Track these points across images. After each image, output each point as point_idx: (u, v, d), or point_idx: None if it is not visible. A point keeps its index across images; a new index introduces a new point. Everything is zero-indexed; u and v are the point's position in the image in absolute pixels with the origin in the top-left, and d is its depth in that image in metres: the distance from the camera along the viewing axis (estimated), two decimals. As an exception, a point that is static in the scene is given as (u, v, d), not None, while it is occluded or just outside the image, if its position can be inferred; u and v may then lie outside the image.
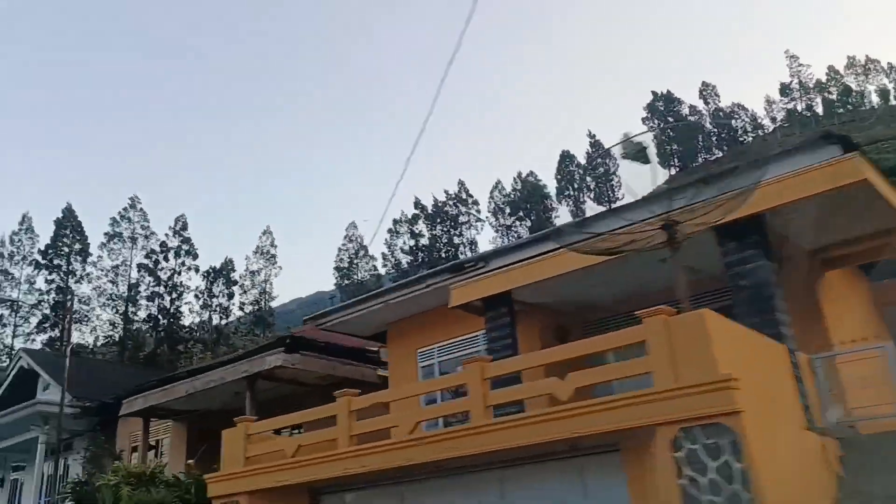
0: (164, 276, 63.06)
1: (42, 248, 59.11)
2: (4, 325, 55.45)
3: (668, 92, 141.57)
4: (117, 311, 59.82)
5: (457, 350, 12.58)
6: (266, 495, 10.17)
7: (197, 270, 65.08)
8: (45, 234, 61.21)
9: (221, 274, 67.16)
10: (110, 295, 59.79)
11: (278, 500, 10.37)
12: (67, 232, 60.00)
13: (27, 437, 21.08)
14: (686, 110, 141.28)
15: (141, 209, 63.24)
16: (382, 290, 13.12)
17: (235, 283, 67.58)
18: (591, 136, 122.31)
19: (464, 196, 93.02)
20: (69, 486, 14.67)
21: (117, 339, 57.59)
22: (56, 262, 58.86)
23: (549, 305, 11.24)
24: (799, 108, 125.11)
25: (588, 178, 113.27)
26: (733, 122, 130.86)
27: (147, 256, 62.77)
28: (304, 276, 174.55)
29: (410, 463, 8.38)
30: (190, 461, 14.48)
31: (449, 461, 8.10)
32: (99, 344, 57.04)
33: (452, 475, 8.63)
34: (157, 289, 62.61)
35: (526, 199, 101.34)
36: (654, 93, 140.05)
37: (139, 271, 62.25)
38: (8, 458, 23.54)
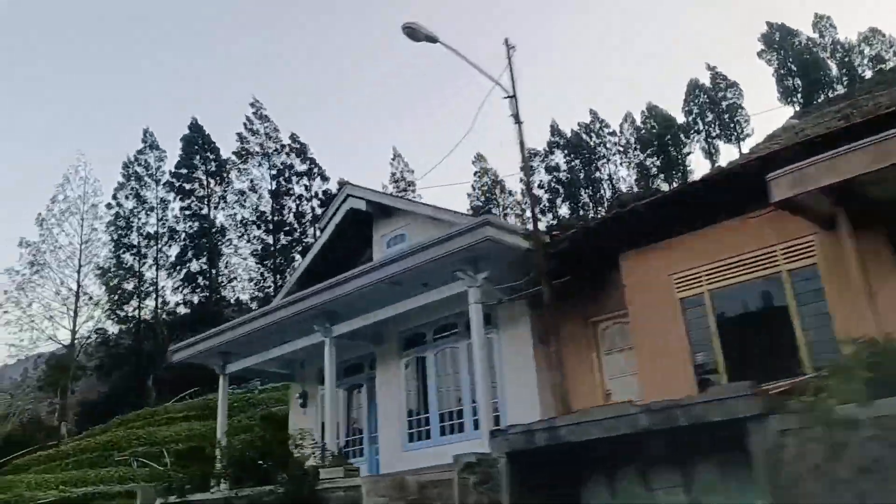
0: (291, 204, 54.39)
1: (172, 171, 50.98)
2: (144, 256, 47.69)
3: (782, 24, 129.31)
4: (254, 246, 51.46)
5: None
6: None
7: (317, 197, 55.70)
8: (171, 152, 53.29)
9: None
10: (244, 222, 51.65)
11: None
12: (197, 149, 51.70)
13: (383, 315, 12.51)
14: (803, 42, 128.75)
15: (265, 115, 54.46)
16: None
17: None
18: (711, 68, 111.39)
19: (597, 127, 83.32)
20: None
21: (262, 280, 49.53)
22: (188, 186, 50.78)
23: None
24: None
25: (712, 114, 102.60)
26: (867, 49, 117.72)
27: (275, 177, 53.96)
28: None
29: None
30: None
31: None
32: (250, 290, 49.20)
33: None
34: (286, 217, 54.02)
35: (658, 134, 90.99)
36: (769, 23, 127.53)
37: (271, 197, 53.83)
38: (341, 352, 13.81)
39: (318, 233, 50.22)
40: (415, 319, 13.18)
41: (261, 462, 12.02)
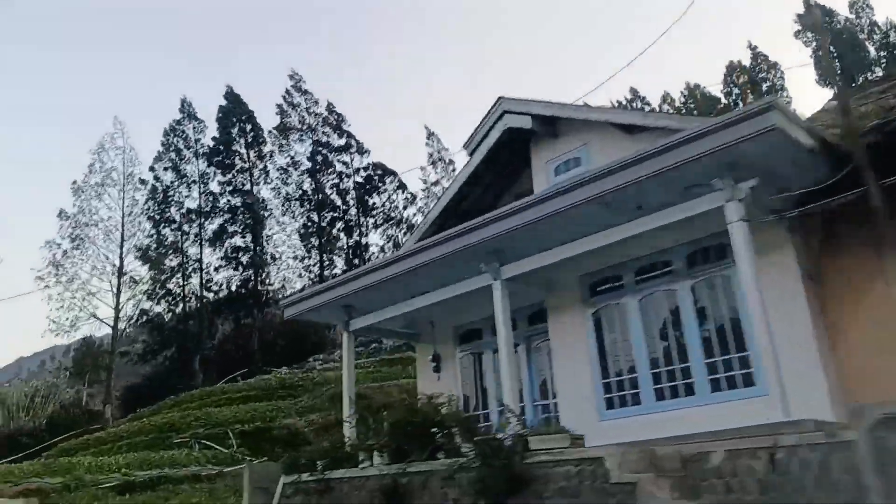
0: (334, 180, 51.71)
1: (210, 144, 48.45)
2: (185, 233, 45.33)
3: (817, 3, 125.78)
4: (297, 222, 48.84)
5: None
6: None
7: (357, 173, 52.71)
8: (210, 122, 50.70)
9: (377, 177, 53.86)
10: (287, 197, 49.19)
11: None
12: (235, 121, 49.16)
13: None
14: (841, 22, 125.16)
15: (305, 90, 51.91)
16: None
17: (405, 187, 55.27)
18: (752, 47, 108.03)
19: (639, 105, 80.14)
20: None
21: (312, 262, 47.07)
22: (227, 160, 48.24)
23: None
24: None
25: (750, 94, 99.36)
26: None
27: (314, 154, 51.30)
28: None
29: None
30: None
31: None
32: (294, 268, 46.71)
33: None
34: (330, 194, 51.34)
35: (701, 115, 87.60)
36: (806, 3, 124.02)
37: (310, 175, 51.26)
38: (487, 305, 10.90)
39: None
40: (603, 258, 10.50)
41: (434, 430, 9.43)
